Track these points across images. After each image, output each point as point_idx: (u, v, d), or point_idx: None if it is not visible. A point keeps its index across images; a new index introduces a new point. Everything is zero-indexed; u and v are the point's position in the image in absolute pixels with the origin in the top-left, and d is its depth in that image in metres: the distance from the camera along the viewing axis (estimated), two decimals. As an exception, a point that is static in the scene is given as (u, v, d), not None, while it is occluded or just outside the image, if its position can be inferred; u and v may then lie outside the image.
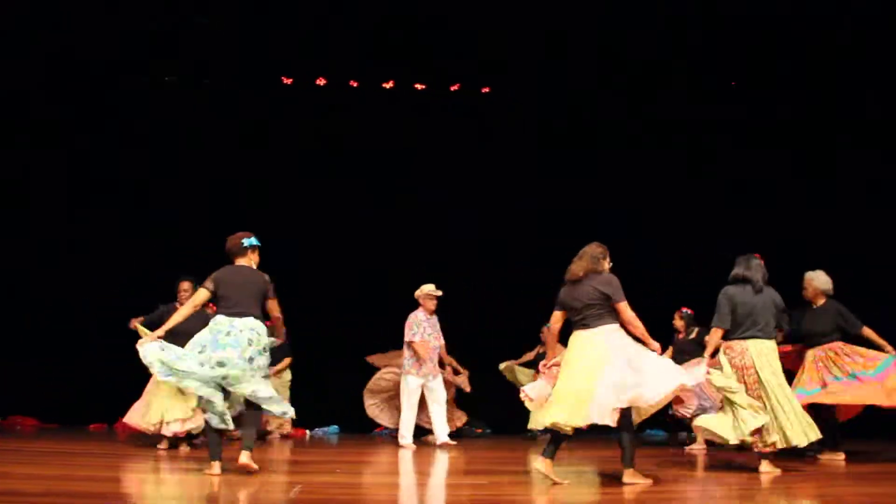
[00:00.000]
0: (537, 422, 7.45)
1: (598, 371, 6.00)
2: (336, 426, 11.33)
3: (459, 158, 12.30)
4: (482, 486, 6.25)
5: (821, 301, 8.33)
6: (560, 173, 12.31)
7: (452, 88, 12.50)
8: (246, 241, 6.63)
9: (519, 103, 12.49)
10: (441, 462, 7.96)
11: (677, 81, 12.15)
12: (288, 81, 12.26)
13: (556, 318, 6.46)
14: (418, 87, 12.46)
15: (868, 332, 8.18)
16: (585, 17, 11.26)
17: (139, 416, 8.33)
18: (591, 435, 9.08)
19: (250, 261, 6.64)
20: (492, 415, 11.50)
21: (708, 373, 6.78)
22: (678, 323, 10.04)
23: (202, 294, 6.44)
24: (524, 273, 12.14)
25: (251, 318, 6.35)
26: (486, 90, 12.59)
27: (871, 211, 11.10)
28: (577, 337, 6.29)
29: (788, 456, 7.28)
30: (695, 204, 11.87)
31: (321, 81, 12.30)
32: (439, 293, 9.51)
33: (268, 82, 12.31)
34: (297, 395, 10.66)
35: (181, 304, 8.00)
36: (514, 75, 12.29)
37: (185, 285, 8.42)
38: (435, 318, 9.59)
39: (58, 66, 11.44)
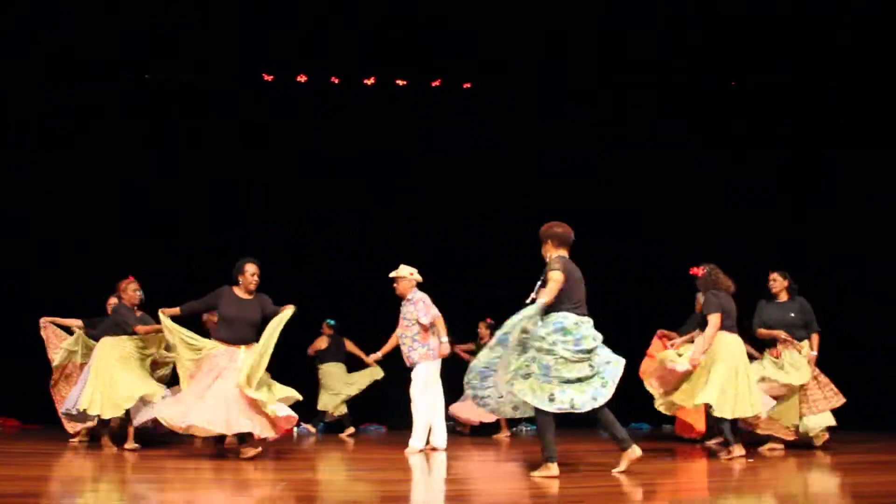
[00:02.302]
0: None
1: None
2: (322, 423, 11.27)
3: (459, 158, 12.30)
4: (466, 481, 6.23)
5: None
6: (560, 173, 12.30)
7: (434, 84, 12.46)
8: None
9: (519, 103, 12.43)
10: (426, 458, 7.91)
11: (677, 81, 12.10)
12: (269, 79, 12.23)
13: None
14: (400, 83, 12.42)
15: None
16: (585, 16, 11.21)
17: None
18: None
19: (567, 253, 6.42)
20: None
21: None
22: (483, 331, 10.83)
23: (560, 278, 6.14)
24: (523, 273, 12.09)
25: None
26: (467, 85, 12.55)
27: (871, 211, 11.00)
28: None
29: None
30: (695, 204, 11.83)
31: (302, 78, 12.26)
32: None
33: (269, 82, 12.30)
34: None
35: (247, 289, 7.67)
36: (513, 75, 12.23)
37: (252, 268, 7.73)
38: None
39: (58, 66, 11.45)
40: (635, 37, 11.51)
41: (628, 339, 10.71)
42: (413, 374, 8.39)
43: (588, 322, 6.22)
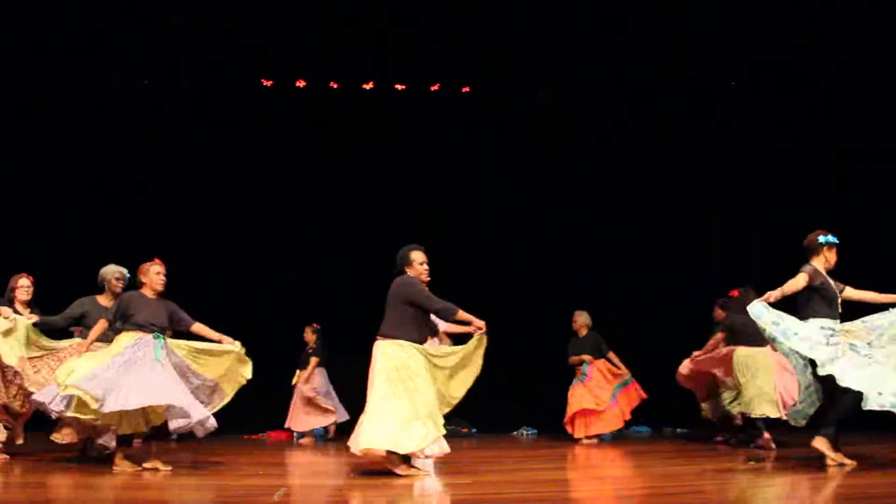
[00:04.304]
0: None
1: None
2: (322, 428, 11.24)
3: (458, 158, 12.31)
4: (466, 485, 6.23)
5: (584, 332, 10.28)
6: (560, 173, 12.32)
7: (432, 88, 12.45)
8: (822, 238, 6.51)
9: (518, 103, 12.43)
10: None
11: (678, 82, 12.08)
12: (268, 84, 12.22)
13: None
14: (398, 87, 12.45)
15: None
16: (585, 16, 11.21)
17: None
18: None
19: (826, 261, 6.51)
20: (477, 414, 11.45)
21: None
22: (309, 337, 11.00)
23: (802, 280, 6.29)
24: (522, 272, 12.12)
25: None
26: (466, 90, 12.53)
27: (869, 210, 10.98)
28: None
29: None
30: (694, 203, 11.86)
31: (301, 83, 12.27)
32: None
33: (273, 84, 12.29)
34: (282, 398, 10.89)
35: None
36: (512, 76, 12.21)
37: (423, 256, 6.71)
38: None
39: (56, 66, 11.37)
40: (635, 36, 11.47)
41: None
42: None
43: None
